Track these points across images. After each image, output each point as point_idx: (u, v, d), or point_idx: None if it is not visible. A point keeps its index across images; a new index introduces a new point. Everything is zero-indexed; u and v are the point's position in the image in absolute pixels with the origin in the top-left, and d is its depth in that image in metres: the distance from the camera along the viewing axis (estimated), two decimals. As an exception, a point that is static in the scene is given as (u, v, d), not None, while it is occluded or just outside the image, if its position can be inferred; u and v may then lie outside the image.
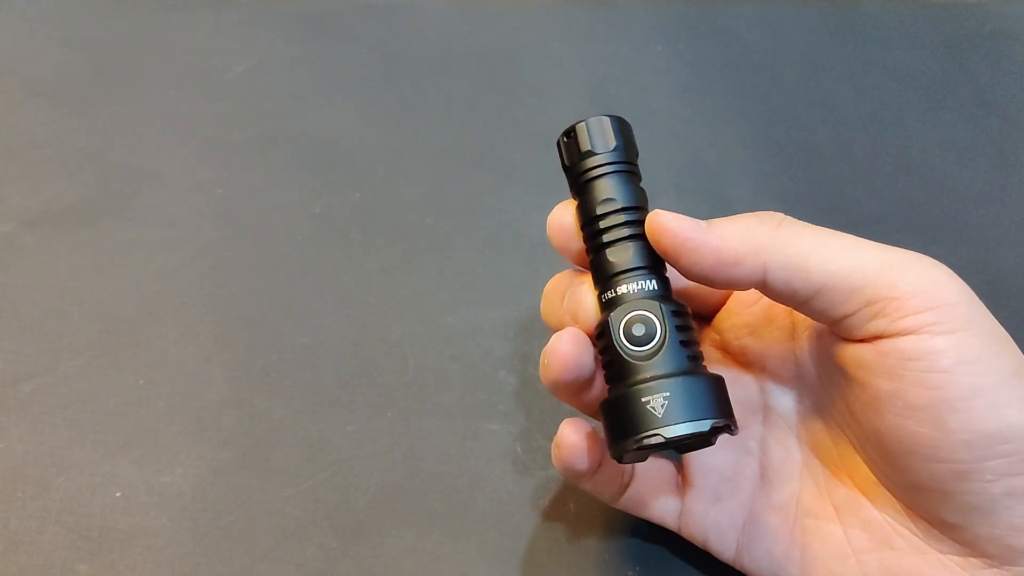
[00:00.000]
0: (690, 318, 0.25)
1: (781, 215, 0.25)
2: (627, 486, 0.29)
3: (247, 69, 0.56)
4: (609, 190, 0.26)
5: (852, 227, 0.47)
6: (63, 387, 0.37)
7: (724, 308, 0.29)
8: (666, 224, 0.24)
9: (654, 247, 0.25)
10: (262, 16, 0.60)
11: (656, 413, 0.22)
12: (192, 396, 0.37)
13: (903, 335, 0.22)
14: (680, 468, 0.30)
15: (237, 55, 0.57)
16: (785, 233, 0.24)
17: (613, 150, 0.26)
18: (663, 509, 0.29)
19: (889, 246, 0.24)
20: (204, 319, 0.40)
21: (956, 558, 0.23)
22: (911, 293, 0.22)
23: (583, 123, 0.27)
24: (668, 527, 0.30)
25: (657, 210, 0.25)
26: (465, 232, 0.45)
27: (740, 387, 0.29)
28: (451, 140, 0.51)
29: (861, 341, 0.23)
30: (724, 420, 0.23)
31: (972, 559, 0.23)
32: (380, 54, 0.58)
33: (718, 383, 0.24)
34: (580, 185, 0.27)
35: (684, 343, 0.24)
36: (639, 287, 0.25)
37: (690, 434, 0.22)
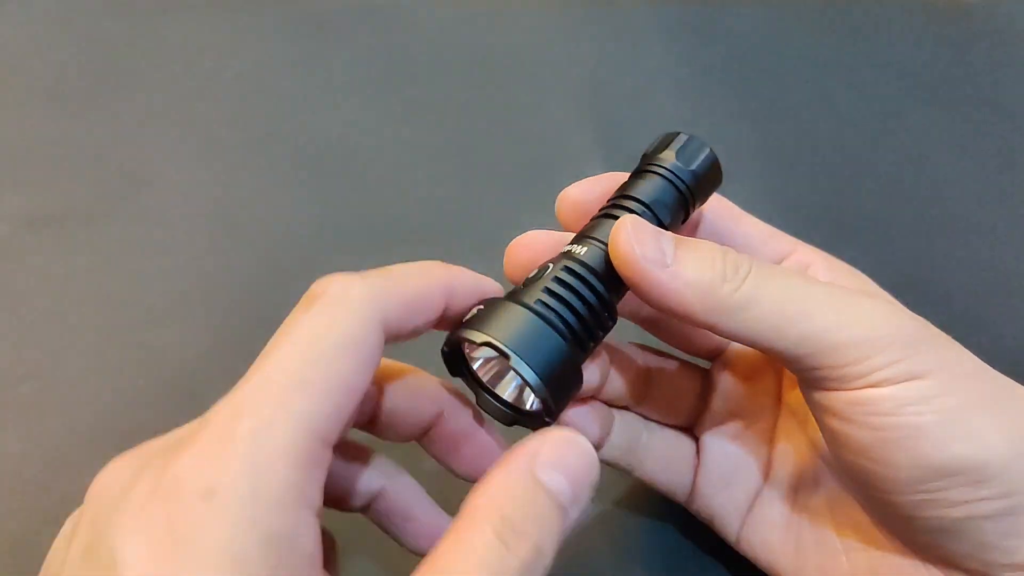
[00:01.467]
0: (592, 289, 0.24)
1: (747, 265, 0.23)
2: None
3: (247, 69, 0.56)
4: (652, 191, 0.26)
5: (852, 225, 0.48)
6: (62, 388, 0.36)
7: None
8: (622, 246, 0.23)
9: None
10: (262, 16, 0.60)
11: (474, 316, 0.23)
12: (192, 396, 0.37)
13: (849, 390, 0.23)
14: (697, 449, 0.30)
15: (237, 55, 0.57)
16: (743, 295, 0.23)
17: (689, 168, 0.26)
18: (675, 484, 0.30)
19: (848, 291, 0.24)
20: (204, 319, 0.40)
21: (937, 569, 0.24)
22: (854, 358, 0.22)
23: (689, 136, 0.27)
24: (677, 501, 0.30)
25: (625, 218, 0.24)
26: (465, 232, 0.44)
27: (761, 378, 0.29)
28: (451, 140, 0.51)
29: (816, 388, 0.24)
30: (504, 345, 0.22)
31: (954, 573, 0.24)
32: (379, 54, 0.58)
33: (539, 332, 0.22)
34: (638, 172, 0.27)
35: (550, 291, 0.23)
36: (581, 250, 0.24)
37: (488, 350, 0.22)
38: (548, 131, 0.52)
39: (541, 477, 0.20)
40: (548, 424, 0.23)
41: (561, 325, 0.23)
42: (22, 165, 0.48)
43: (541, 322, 0.22)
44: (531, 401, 0.25)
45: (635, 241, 0.23)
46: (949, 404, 0.22)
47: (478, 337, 0.22)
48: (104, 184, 0.47)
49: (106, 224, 0.44)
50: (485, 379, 0.25)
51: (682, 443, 0.30)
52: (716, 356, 0.30)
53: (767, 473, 0.29)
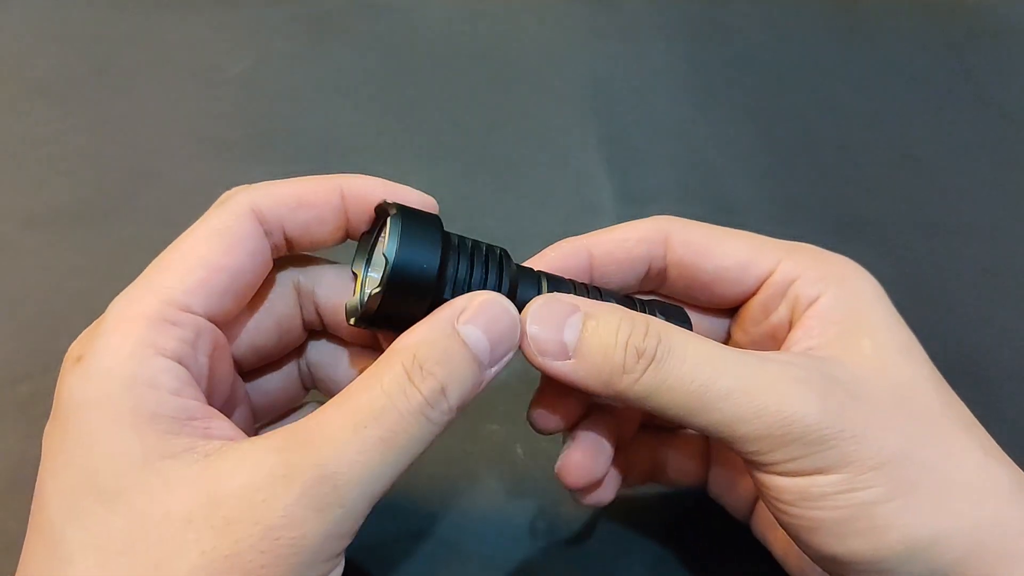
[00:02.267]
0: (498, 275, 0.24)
1: (652, 345, 0.23)
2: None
3: (247, 68, 0.56)
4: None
5: (852, 225, 0.48)
6: (62, 387, 0.36)
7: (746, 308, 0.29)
8: (524, 343, 0.23)
9: None
10: (262, 16, 0.60)
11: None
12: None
13: (759, 471, 0.23)
14: (710, 441, 0.31)
15: (237, 54, 0.57)
16: (644, 386, 0.23)
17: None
18: (690, 473, 0.31)
19: (758, 364, 0.23)
20: (203, 319, 0.40)
21: None
22: (757, 450, 0.22)
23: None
24: (693, 487, 0.32)
25: (529, 310, 0.23)
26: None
27: None
28: (451, 139, 0.51)
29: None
30: (399, 212, 0.22)
31: None
32: (380, 53, 0.58)
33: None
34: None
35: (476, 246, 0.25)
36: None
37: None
38: (548, 131, 0.52)
39: (460, 328, 0.21)
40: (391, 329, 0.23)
41: (451, 253, 0.23)
42: (22, 164, 0.48)
43: (438, 232, 0.23)
44: (374, 285, 0.23)
45: (532, 337, 0.23)
46: (853, 500, 0.22)
47: (391, 207, 0.23)
48: (104, 182, 0.47)
49: (106, 222, 0.44)
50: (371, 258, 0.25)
51: (694, 435, 0.31)
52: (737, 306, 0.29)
53: None
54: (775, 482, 0.23)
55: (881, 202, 0.48)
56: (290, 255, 0.26)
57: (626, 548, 0.32)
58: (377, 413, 0.20)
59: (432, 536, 0.32)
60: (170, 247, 0.23)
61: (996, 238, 0.46)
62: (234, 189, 0.25)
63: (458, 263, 0.23)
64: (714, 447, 0.31)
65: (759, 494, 0.25)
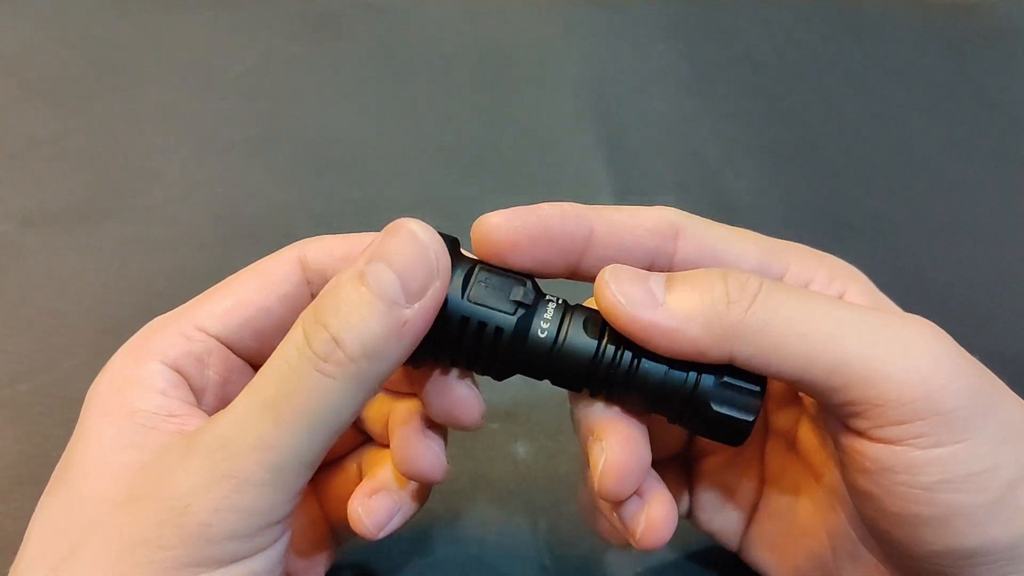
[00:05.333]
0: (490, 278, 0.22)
1: (756, 282, 0.20)
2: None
3: (247, 68, 0.56)
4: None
5: (852, 226, 0.47)
6: (60, 387, 0.36)
7: None
8: (606, 297, 0.21)
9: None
10: (262, 15, 0.60)
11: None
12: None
13: (884, 443, 0.20)
14: (690, 476, 0.30)
15: (237, 55, 0.57)
16: (758, 314, 0.20)
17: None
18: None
19: (885, 315, 0.20)
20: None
21: None
22: (898, 400, 0.19)
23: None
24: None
25: (604, 272, 0.21)
26: (465, 232, 0.44)
27: None
28: (451, 140, 0.51)
29: (843, 427, 0.21)
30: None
31: None
32: (380, 53, 0.58)
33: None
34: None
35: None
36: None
37: None
38: (548, 131, 0.52)
39: (363, 268, 0.19)
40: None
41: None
42: (22, 163, 0.48)
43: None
44: None
45: (616, 290, 0.21)
46: (997, 482, 0.19)
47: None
48: (104, 182, 0.47)
49: (106, 222, 0.44)
50: None
51: (675, 474, 0.29)
52: None
53: (763, 491, 0.28)
54: (905, 456, 0.19)
55: (881, 202, 0.48)
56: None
57: (626, 548, 0.32)
58: (269, 373, 0.19)
59: (431, 535, 0.32)
60: (221, 281, 0.24)
61: (996, 238, 0.46)
62: (302, 240, 0.25)
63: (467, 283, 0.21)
64: (698, 471, 0.29)
65: (865, 494, 0.21)
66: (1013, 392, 0.21)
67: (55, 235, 0.44)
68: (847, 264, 0.26)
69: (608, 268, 0.21)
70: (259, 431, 0.19)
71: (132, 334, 0.24)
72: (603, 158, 0.50)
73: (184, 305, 0.24)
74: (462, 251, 0.23)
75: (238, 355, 0.24)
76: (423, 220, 0.23)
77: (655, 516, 0.23)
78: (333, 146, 0.50)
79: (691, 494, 0.29)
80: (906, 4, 0.65)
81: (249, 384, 0.20)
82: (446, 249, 0.20)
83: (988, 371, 0.21)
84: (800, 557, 0.26)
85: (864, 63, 0.59)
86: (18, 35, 0.57)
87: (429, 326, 0.20)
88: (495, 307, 0.21)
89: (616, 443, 0.22)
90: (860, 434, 0.20)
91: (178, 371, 0.22)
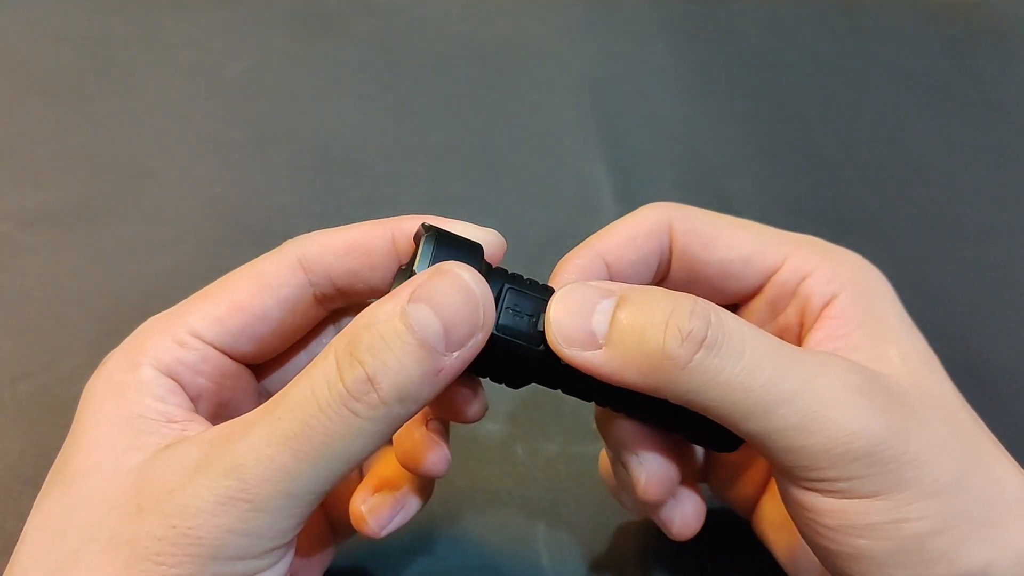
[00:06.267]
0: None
1: (700, 332, 0.20)
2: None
3: (247, 68, 0.56)
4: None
5: (853, 226, 0.47)
6: (60, 387, 0.36)
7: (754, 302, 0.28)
8: (550, 338, 0.21)
9: None
10: (262, 15, 0.60)
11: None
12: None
13: (798, 487, 0.21)
14: (705, 456, 0.30)
15: (237, 54, 0.57)
16: (693, 377, 0.20)
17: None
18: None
19: (811, 372, 0.20)
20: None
21: None
22: (809, 465, 0.20)
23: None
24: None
25: (551, 303, 0.21)
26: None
27: None
28: (451, 139, 0.51)
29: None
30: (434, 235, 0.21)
31: None
32: (380, 53, 0.58)
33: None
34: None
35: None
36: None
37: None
38: (548, 131, 0.52)
39: (408, 308, 0.18)
40: None
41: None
42: (21, 163, 0.48)
43: (473, 255, 0.21)
44: None
45: (556, 330, 0.21)
46: (904, 531, 0.20)
47: (427, 230, 0.22)
48: (104, 182, 0.47)
49: (106, 222, 0.44)
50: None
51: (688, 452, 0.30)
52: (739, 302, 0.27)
53: (768, 473, 0.29)
54: (818, 503, 0.20)
55: (881, 202, 0.48)
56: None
57: (627, 548, 0.32)
58: (294, 405, 0.19)
59: (431, 535, 0.32)
60: (215, 281, 0.24)
61: (996, 238, 0.46)
62: (296, 237, 0.24)
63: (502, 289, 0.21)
64: (711, 456, 0.30)
65: (791, 512, 0.22)
66: (953, 417, 0.21)
67: (55, 235, 0.44)
68: (862, 262, 0.26)
69: (556, 297, 0.21)
70: (278, 463, 0.18)
71: (132, 332, 0.23)
72: (603, 158, 0.50)
73: (179, 305, 0.24)
74: (485, 260, 0.23)
75: (233, 359, 0.24)
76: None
77: (688, 513, 0.26)
78: (332, 146, 0.50)
79: (707, 467, 0.30)
80: (906, 4, 0.65)
81: (270, 407, 0.19)
82: (493, 301, 0.20)
83: (909, 406, 0.21)
84: (797, 543, 0.27)
85: (864, 63, 0.59)
86: (18, 35, 0.57)
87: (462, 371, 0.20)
88: (522, 340, 0.21)
89: (653, 459, 0.24)
90: (784, 476, 0.21)
91: (172, 377, 0.22)
